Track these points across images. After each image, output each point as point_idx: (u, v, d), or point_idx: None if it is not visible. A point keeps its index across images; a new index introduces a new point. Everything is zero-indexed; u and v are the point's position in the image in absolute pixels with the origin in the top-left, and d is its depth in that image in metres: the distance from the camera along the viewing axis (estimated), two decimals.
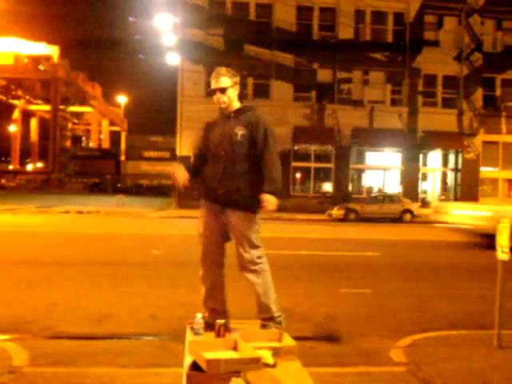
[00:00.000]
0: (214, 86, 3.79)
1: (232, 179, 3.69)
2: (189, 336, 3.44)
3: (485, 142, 30.29)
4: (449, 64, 29.68)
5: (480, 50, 30.01)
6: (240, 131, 3.72)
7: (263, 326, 3.75)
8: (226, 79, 3.78)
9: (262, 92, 28.91)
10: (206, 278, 3.78)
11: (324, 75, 29.75)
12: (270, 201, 3.57)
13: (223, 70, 3.84)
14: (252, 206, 3.73)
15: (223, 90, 3.78)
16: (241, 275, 3.89)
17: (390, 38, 30.16)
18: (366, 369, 4.31)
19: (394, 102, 30.20)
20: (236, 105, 3.87)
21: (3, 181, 55.64)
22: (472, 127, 30.05)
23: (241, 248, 3.73)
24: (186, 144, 28.42)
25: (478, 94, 30.29)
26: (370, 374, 4.19)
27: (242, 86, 24.46)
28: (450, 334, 5.22)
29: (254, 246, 3.74)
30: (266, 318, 3.81)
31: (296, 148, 29.29)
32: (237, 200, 3.69)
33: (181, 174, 3.80)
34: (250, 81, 29.02)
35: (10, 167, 70.05)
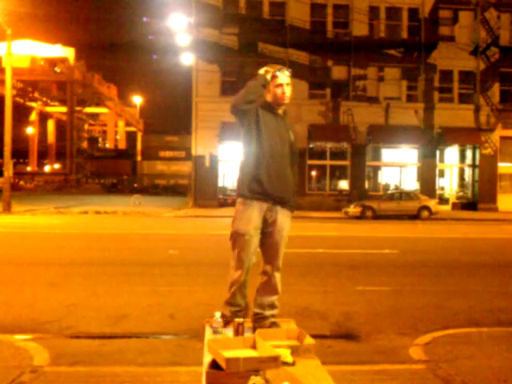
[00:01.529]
0: (283, 79, 3.76)
1: (286, 180, 3.79)
2: (207, 335, 3.45)
3: (502, 138, 29.91)
4: (465, 59, 29.37)
5: (496, 44, 29.64)
6: (291, 136, 3.85)
7: (274, 324, 3.74)
8: (289, 77, 3.83)
9: None
10: (242, 276, 3.72)
11: (339, 72, 29.62)
12: None
13: (285, 67, 3.87)
14: (294, 206, 3.89)
15: (288, 84, 3.81)
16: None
17: (404, 34, 29.91)
18: (384, 367, 4.29)
19: (409, 99, 29.96)
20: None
21: (21, 182, 56.16)
22: (489, 122, 29.71)
23: (281, 248, 3.78)
24: (201, 143, 28.51)
25: (495, 89, 29.91)
26: (388, 371, 4.17)
27: None
28: (469, 332, 5.18)
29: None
30: (273, 314, 3.79)
31: (311, 146, 29.18)
32: (289, 200, 3.81)
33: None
34: None
35: (28, 169, 70.76)
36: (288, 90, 3.78)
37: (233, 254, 3.72)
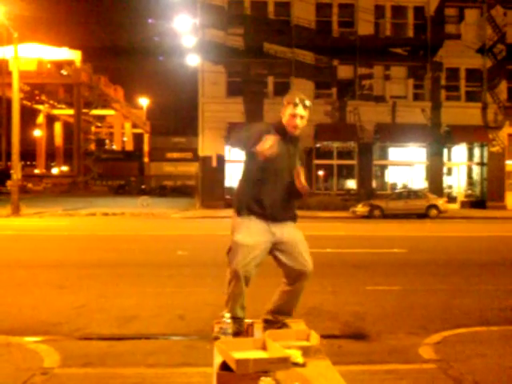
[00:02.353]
0: (299, 111, 3.65)
1: (290, 204, 3.79)
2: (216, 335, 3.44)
3: (510, 135, 29.75)
4: (471, 57, 29.25)
5: (503, 41, 29.48)
6: (299, 162, 3.76)
7: (284, 325, 3.74)
8: (308, 110, 3.71)
9: (282, 90, 28.73)
10: (242, 288, 3.67)
11: (344, 72, 29.57)
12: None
13: (307, 99, 3.77)
14: (297, 217, 3.90)
15: (303, 117, 3.71)
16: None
17: (410, 33, 29.83)
18: (395, 366, 4.27)
19: (416, 97, 29.87)
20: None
21: (30, 185, 56.45)
22: (497, 120, 29.57)
23: (307, 255, 3.75)
24: (208, 144, 28.55)
25: (502, 87, 29.76)
26: (399, 371, 4.15)
27: (263, 84, 24.24)
28: (480, 331, 5.15)
29: None
30: (284, 321, 3.78)
31: (318, 145, 29.15)
32: (291, 216, 3.81)
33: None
34: (271, 79, 28.99)
35: (36, 171, 71.11)
36: (300, 123, 3.67)
37: (231, 265, 3.60)
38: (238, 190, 3.83)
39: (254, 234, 3.62)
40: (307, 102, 3.69)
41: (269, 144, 3.39)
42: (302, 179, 3.57)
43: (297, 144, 3.82)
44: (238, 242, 3.62)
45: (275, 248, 3.70)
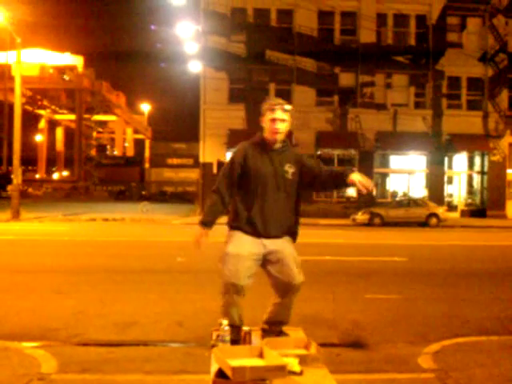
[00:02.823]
0: (278, 115, 3.65)
1: (284, 219, 3.74)
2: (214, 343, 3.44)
3: (511, 144, 29.79)
4: (473, 66, 29.30)
5: (505, 50, 29.55)
6: (291, 169, 3.72)
7: (281, 333, 3.73)
8: (288, 114, 3.72)
9: (284, 97, 27.97)
10: (236, 298, 3.66)
11: (346, 79, 29.63)
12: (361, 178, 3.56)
13: (286, 103, 3.76)
14: (296, 236, 3.87)
15: (284, 121, 3.70)
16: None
17: (412, 41, 29.91)
18: (393, 375, 4.25)
19: (417, 105, 29.92)
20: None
21: (30, 189, 56.49)
22: (498, 129, 29.59)
23: (296, 268, 3.68)
24: (209, 150, 28.57)
25: (504, 96, 29.80)
26: (398, 380, 4.14)
27: (264, 91, 24.16)
28: (479, 340, 5.13)
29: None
30: (278, 330, 3.78)
31: (319, 153, 29.16)
32: (287, 232, 3.77)
33: (204, 240, 3.74)
34: (272, 86, 29.04)
35: (37, 176, 71.17)
36: (281, 127, 3.66)
37: (223, 276, 3.61)
38: (232, 210, 3.83)
39: (245, 245, 3.63)
40: (286, 106, 3.70)
41: None
42: (360, 184, 3.55)
43: (284, 151, 3.76)
44: (229, 253, 3.63)
45: (265, 259, 3.69)
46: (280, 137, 3.71)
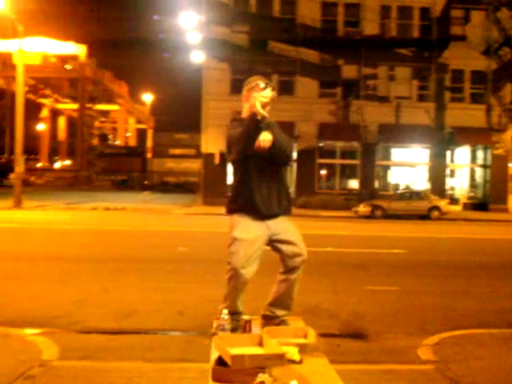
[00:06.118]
0: (268, 94, 3.63)
1: (279, 193, 3.76)
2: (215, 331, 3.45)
3: None
4: (476, 59, 29.15)
5: (508, 44, 29.35)
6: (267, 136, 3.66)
7: (282, 322, 3.74)
8: (275, 92, 3.73)
9: (286, 89, 28.78)
10: (243, 284, 3.65)
11: (349, 71, 29.51)
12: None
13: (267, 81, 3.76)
14: (291, 208, 3.92)
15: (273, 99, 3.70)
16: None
17: (416, 34, 29.75)
18: (393, 366, 4.27)
19: (420, 98, 29.81)
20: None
21: (32, 178, 56.46)
22: (501, 123, 29.48)
23: (300, 242, 3.74)
24: (211, 141, 28.53)
25: (507, 89, 29.66)
26: (397, 371, 4.15)
27: None
28: (479, 333, 5.15)
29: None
30: (285, 315, 3.78)
31: (321, 145, 29.12)
32: (284, 210, 3.79)
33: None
34: (275, 78, 28.91)
35: (39, 165, 71.17)
36: (268, 102, 3.62)
37: (231, 262, 3.61)
38: (232, 193, 3.83)
39: (251, 229, 3.65)
40: (270, 88, 3.67)
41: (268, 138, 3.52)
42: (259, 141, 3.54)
43: (272, 128, 3.66)
44: (237, 237, 3.63)
45: (272, 239, 3.71)
46: (266, 107, 3.63)
